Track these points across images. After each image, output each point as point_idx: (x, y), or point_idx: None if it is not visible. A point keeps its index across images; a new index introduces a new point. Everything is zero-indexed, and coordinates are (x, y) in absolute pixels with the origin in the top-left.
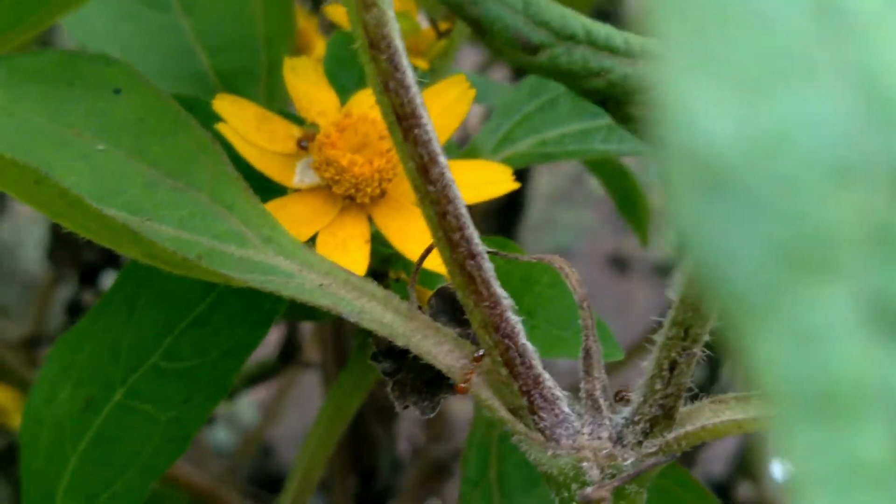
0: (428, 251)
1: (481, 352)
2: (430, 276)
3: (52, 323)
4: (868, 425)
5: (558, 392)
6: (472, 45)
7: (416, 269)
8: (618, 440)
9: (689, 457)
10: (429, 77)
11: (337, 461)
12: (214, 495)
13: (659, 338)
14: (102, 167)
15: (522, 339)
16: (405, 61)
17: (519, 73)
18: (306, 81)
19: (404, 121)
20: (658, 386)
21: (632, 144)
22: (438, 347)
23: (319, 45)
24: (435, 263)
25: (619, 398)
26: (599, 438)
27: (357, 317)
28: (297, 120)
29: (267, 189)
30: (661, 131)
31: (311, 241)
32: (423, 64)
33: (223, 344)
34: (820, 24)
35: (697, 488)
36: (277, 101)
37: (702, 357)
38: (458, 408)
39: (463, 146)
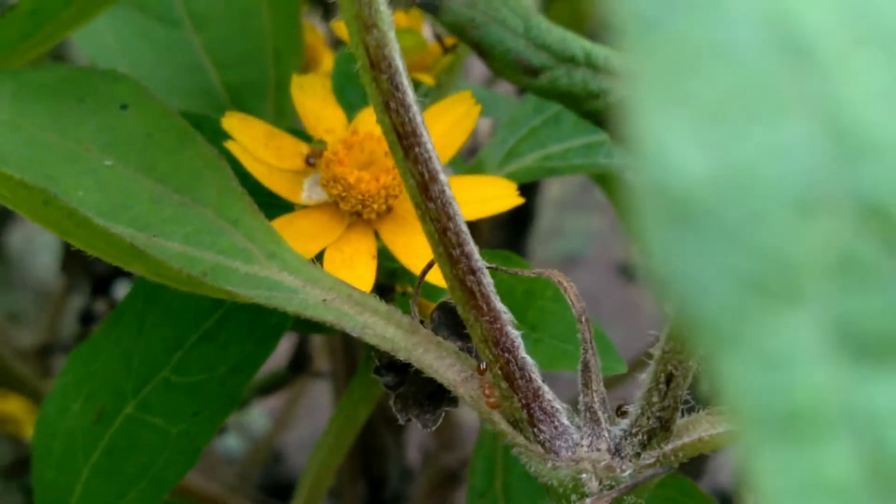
0: (429, 267)
1: (484, 364)
2: (435, 290)
3: (65, 332)
4: (832, 445)
5: (558, 405)
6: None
7: (418, 285)
8: (616, 452)
9: (696, 467)
10: (435, 92)
11: (346, 469)
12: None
13: (656, 352)
14: (110, 182)
15: (522, 352)
16: (406, 81)
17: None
18: (314, 99)
19: (405, 139)
20: (655, 398)
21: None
22: (440, 361)
23: (327, 60)
24: (438, 278)
25: (621, 413)
26: (598, 450)
27: (360, 332)
28: (305, 137)
29: (274, 205)
30: (634, 166)
31: (319, 256)
32: (429, 79)
33: (231, 359)
34: (786, 61)
35: (702, 498)
36: (286, 116)
37: (700, 369)
38: (469, 416)
39: (472, 157)
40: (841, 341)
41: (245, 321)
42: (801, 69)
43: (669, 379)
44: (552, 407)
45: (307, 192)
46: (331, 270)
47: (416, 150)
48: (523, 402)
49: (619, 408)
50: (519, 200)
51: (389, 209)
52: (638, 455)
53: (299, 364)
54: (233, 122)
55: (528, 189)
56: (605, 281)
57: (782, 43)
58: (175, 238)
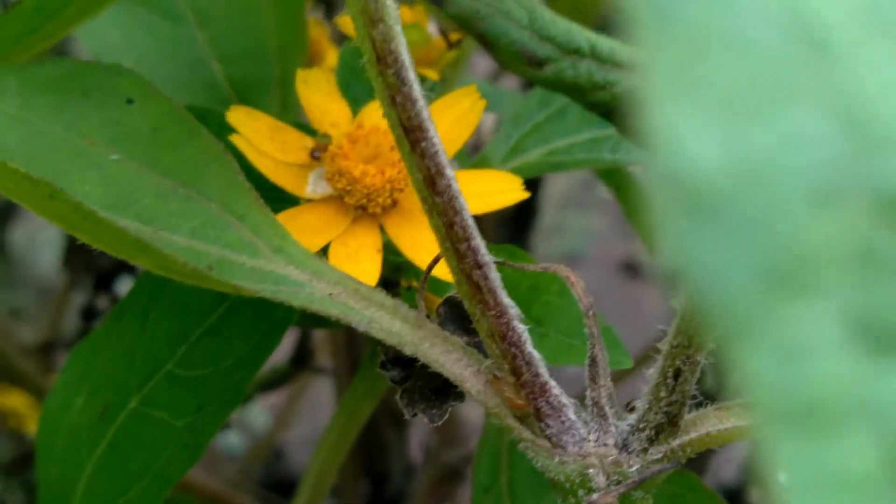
0: (436, 261)
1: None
2: (441, 284)
3: (67, 328)
4: (852, 437)
5: (565, 399)
6: (484, 53)
7: (424, 279)
8: (623, 447)
9: (700, 463)
10: (440, 87)
11: (349, 466)
12: (227, 500)
13: (664, 346)
14: (116, 177)
15: (529, 347)
16: (412, 75)
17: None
18: (319, 93)
19: (411, 133)
20: (663, 393)
21: (638, 154)
22: (446, 356)
23: (331, 55)
24: (444, 272)
25: (631, 410)
26: (605, 445)
27: (366, 326)
28: (310, 131)
29: (279, 199)
30: (650, 157)
31: (324, 250)
32: (433, 74)
33: (236, 352)
34: (802, 51)
35: (707, 493)
36: (290, 111)
37: (708, 364)
38: (471, 413)
39: (476, 152)
40: (858, 333)
41: (250, 315)
42: (817, 59)
43: (677, 374)
44: (559, 402)
45: (312, 186)
46: (336, 264)
47: (423, 144)
48: (530, 396)
49: (628, 405)
50: (524, 194)
51: (394, 203)
52: (645, 450)
53: (301, 360)
54: (238, 116)
55: (531, 186)
56: (606, 279)
57: (798, 33)
58: (181, 232)
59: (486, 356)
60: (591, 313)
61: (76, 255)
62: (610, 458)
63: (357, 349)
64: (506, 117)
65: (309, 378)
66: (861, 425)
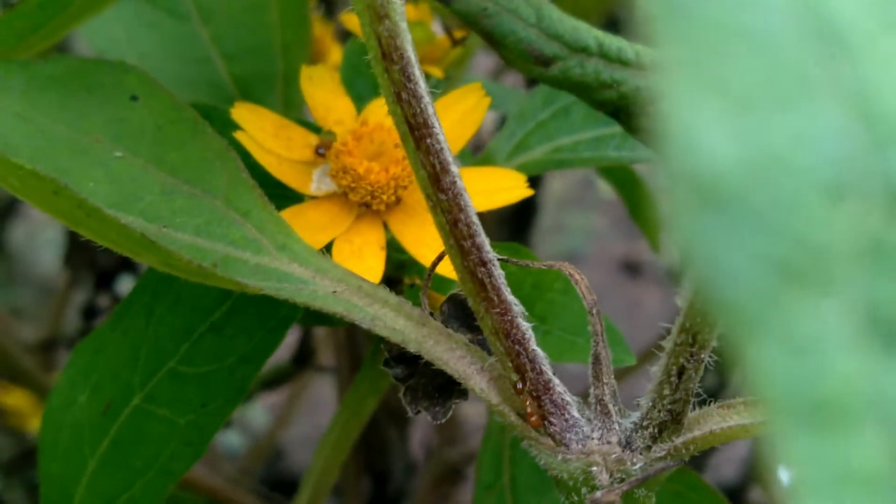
0: (440, 258)
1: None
2: (444, 282)
3: (68, 326)
4: (861, 433)
5: (568, 397)
6: (487, 51)
7: (428, 276)
8: (627, 445)
9: (700, 461)
10: (444, 85)
11: (351, 464)
12: (228, 497)
13: (667, 344)
14: (120, 174)
15: (533, 344)
16: (417, 72)
17: (534, 79)
18: (323, 90)
19: (416, 130)
20: (667, 391)
21: (643, 152)
22: (450, 353)
23: (335, 53)
24: (448, 269)
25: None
26: (609, 443)
27: (370, 323)
28: (314, 128)
29: (284, 196)
30: (664, 150)
31: (328, 247)
32: (438, 72)
33: (240, 349)
34: (816, 45)
35: (709, 492)
36: (294, 108)
37: (711, 362)
38: (472, 412)
39: (477, 152)
40: (870, 328)
41: (253, 312)
42: (832, 56)
43: (681, 372)
44: (563, 399)
45: (316, 183)
46: (340, 261)
47: (428, 140)
48: (534, 394)
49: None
50: (528, 192)
51: (399, 200)
52: (649, 448)
53: (303, 358)
54: (242, 113)
55: (532, 184)
56: (606, 278)
57: (813, 29)
58: (185, 229)
59: (489, 354)
60: (594, 311)
61: (77, 254)
62: (613, 456)
63: (359, 347)
64: (510, 115)
65: (309, 378)
66: (871, 421)
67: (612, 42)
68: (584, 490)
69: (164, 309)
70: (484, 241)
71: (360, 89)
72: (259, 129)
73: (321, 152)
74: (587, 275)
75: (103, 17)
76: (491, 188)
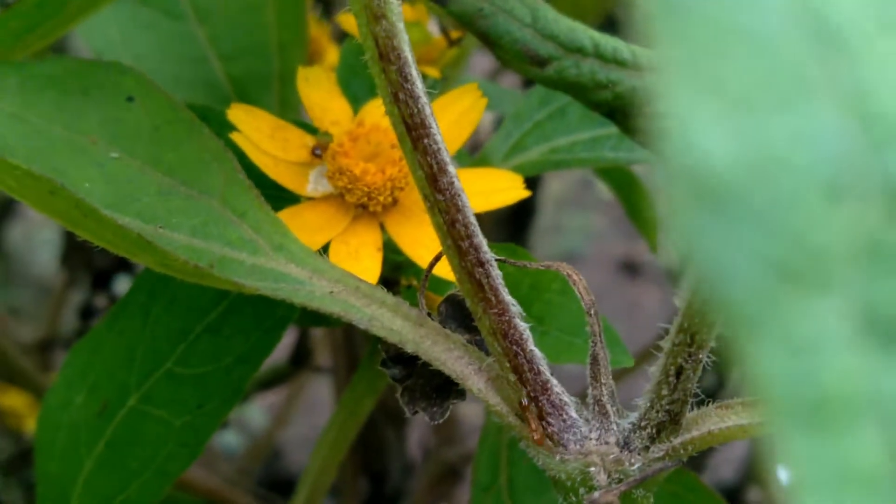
0: (437, 259)
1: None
2: (441, 283)
3: (65, 327)
4: (860, 432)
5: (566, 398)
6: (484, 51)
7: (426, 277)
8: (625, 445)
9: (698, 462)
10: (440, 85)
11: (348, 465)
12: (226, 498)
13: (666, 344)
14: (117, 175)
15: (530, 345)
16: (415, 72)
17: (530, 79)
18: (319, 91)
19: (413, 131)
20: (665, 391)
21: (640, 152)
22: (448, 354)
23: (331, 53)
24: (445, 270)
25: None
26: (607, 443)
27: (367, 324)
28: (311, 129)
29: (280, 198)
30: (663, 150)
31: (325, 249)
32: (434, 72)
33: (236, 350)
34: (814, 45)
35: (707, 493)
36: (290, 109)
37: (709, 363)
38: (469, 412)
39: (474, 153)
40: (868, 328)
41: (250, 313)
42: (830, 55)
43: (679, 372)
44: (561, 400)
45: (313, 184)
46: (336, 262)
47: (425, 141)
48: (532, 394)
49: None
50: (525, 193)
51: (395, 201)
52: (647, 448)
53: (300, 359)
54: (238, 114)
55: (530, 185)
56: (604, 279)
57: (811, 29)
58: (182, 230)
59: (487, 354)
60: (593, 311)
61: (74, 254)
62: (611, 457)
63: (356, 348)
64: (507, 116)
65: (307, 378)
66: (870, 420)
67: (608, 42)
68: (581, 491)
69: (160, 309)
70: (481, 241)
71: (356, 90)
72: (255, 130)
73: (317, 153)
74: (585, 275)
75: (99, 17)
76: (488, 189)
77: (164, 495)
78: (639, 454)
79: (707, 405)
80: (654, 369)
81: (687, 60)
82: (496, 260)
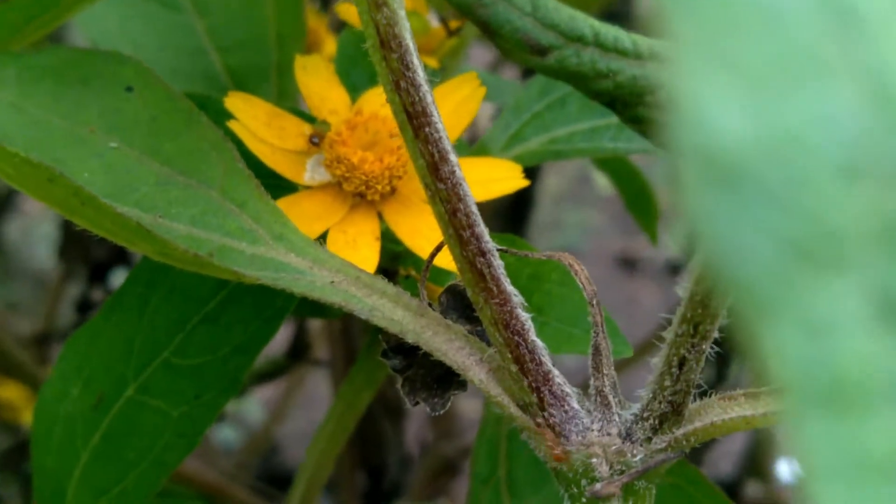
0: (438, 249)
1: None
2: (440, 273)
3: (62, 320)
4: (876, 417)
5: (568, 388)
6: (483, 42)
7: (427, 267)
8: (627, 436)
9: (696, 455)
10: (439, 75)
11: (345, 458)
12: (223, 492)
13: (668, 335)
14: (115, 165)
15: (532, 335)
16: (416, 60)
17: (529, 70)
18: (318, 79)
19: (415, 119)
20: (667, 382)
21: (640, 143)
22: (449, 344)
23: (329, 44)
24: (445, 260)
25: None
26: (609, 434)
27: (368, 314)
28: (308, 118)
29: (278, 186)
30: (675, 130)
31: (322, 238)
32: (433, 62)
33: (234, 340)
34: (831, 24)
35: (707, 485)
36: (288, 100)
37: (711, 354)
38: (467, 406)
39: (472, 144)
40: (885, 310)
41: (249, 302)
42: (847, 34)
43: (682, 363)
44: (562, 391)
45: (310, 173)
46: (334, 251)
47: (427, 129)
48: (533, 385)
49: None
50: (524, 182)
51: (393, 190)
52: (649, 440)
53: (298, 351)
54: (236, 102)
55: (529, 176)
56: (602, 274)
57: (828, 7)
58: (181, 220)
59: (488, 344)
60: (594, 302)
61: (71, 248)
62: (613, 448)
63: (354, 340)
64: (506, 106)
65: (305, 373)
66: (888, 405)
67: (609, 31)
68: (583, 482)
69: (158, 299)
70: (483, 230)
71: (354, 79)
72: (252, 118)
73: (315, 142)
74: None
75: (98, 7)
76: (486, 178)
77: (162, 487)
78: (641, 445)
79: (710, 396)
80: (656, 360)
81: (701, 38)
82: (497, 250)
